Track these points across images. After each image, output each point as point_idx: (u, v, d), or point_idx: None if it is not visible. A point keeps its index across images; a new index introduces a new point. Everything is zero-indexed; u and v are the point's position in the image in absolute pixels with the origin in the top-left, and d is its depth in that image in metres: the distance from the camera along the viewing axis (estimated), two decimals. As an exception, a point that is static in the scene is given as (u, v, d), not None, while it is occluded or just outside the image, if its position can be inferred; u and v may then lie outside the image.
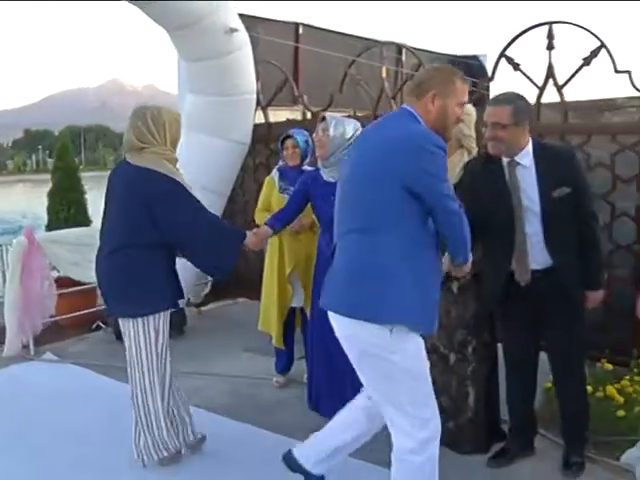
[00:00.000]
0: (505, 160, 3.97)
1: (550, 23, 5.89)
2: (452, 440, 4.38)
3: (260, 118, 7.99)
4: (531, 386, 4.31)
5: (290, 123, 7.65)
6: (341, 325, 3.20)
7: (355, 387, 4.83)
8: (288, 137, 5.46)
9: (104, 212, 4.31)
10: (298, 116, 9.25)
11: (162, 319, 4.22)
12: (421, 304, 3.05)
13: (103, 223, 4.33)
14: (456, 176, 4.24)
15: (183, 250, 4.23)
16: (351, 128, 4.78)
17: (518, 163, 3.92)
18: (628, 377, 4.88)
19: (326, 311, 4.94)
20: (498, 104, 3.92)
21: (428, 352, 4.44)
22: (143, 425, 4.21)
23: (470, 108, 4.45)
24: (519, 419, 4.33)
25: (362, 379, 3.30)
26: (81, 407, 5.24)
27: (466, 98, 3.31)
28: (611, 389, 4.68)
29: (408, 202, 3.00)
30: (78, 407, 5.24)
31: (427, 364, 3.26)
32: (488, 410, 4.47)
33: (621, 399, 4.59)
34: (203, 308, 8.07)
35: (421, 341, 3.19)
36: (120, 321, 4.30)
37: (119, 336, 7.08)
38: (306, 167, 5.49)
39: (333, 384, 4.96)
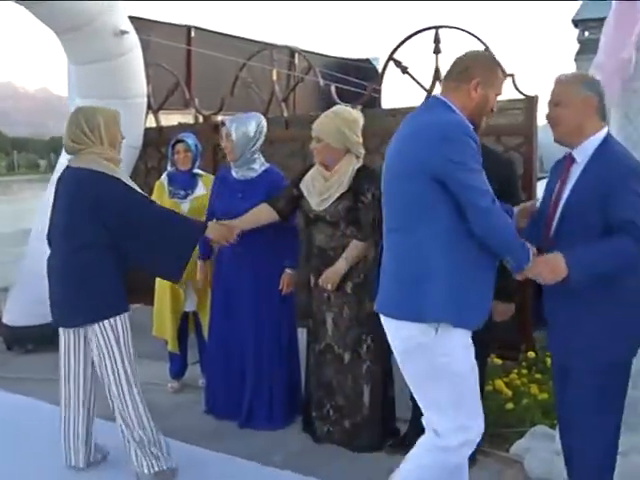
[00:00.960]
0: None
1: (436, 27, 6.03)
2: (348, 438, 4.45)
3: (151, 122, 7.92)
4: None
5: (182, 127, 7.62)
6: (390, 326, 3.11)
7: (252, 389, 4.85)
8: (179, 141, 5.43)
9: (51, 219, 4.17)
10: (190, 120, 9.22)
11: (121, 323, 4.15)
12: (463, 299, 2.92)
13: (50, 230, 4.18)
14: (347, 182, 4.30)
15: (136, 252, 4.12)
16: (253, 125, 4.80)
17: None
18: (516, 371, 5.04)
19: (224, 313, 4.95)
20: None
21: (324, 352, 4.50)
22: (135, 438, 4.13)
23: (357, 113, 4.48)
24: (420, 410, 4.36)
25: (406, 378, 3.19)
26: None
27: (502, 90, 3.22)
28: (500, 383, 4.82)
29: (441, 194, 2.89)
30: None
31: (474, 364, 3.10)
32: (384, 408, 4.50)
33: (509, 392, 4.74)
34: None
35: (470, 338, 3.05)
36: (69, 331, 4.16)
37: (10, 346, 6.94)
38: (197, 171, 5.48)
39: (230, 386, 4.95)
